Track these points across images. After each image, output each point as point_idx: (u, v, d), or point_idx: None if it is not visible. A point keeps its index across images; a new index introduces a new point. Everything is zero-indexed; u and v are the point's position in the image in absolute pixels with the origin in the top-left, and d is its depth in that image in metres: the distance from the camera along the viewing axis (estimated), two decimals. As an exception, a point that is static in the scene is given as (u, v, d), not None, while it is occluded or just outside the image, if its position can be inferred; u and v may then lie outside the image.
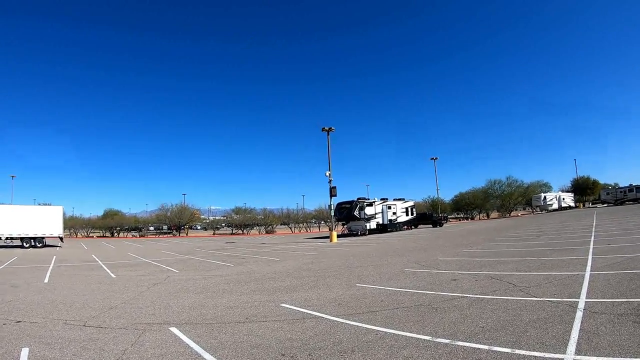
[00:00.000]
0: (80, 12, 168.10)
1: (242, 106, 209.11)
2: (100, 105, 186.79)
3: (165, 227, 70.91)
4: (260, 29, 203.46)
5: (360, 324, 6.41)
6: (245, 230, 69.17)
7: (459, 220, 70.68)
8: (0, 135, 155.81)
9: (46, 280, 14.21)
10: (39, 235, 33.16)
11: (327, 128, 34.76)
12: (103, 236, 72.14)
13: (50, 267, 18.47)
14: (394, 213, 41.75)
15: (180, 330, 6.90)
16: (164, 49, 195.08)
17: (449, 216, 64.45)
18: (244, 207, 74.67)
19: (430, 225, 47.47)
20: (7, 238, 32.72)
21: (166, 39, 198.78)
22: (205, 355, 5.48)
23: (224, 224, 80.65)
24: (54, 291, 11.83)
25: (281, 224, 71.24)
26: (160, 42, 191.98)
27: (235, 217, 73.29)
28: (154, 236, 69.27)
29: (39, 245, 33.05)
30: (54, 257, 24.65)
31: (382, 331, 5.94)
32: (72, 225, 69.68)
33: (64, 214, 37.51)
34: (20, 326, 7.37)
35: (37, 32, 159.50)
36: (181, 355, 5.62)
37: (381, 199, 41.41)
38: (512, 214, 69.67)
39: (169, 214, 70.35)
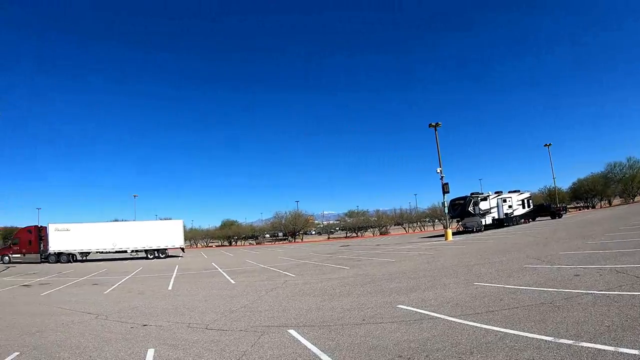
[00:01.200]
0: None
1: (351, 114, 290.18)
2: (217, 123, 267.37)
3: (280, 233, 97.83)
4: (375, 40, 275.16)
5: (478, 325, 7.99)
6: (359, 233, 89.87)
7: (579, 209, 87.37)
8: (123, 159, 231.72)
9: (170, 288, 19.15)
10: (162, 247, 46.45)
11: (434, 124, 44.42)
12: (221, 245, 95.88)
13: (173, 276, 24.77)
14: (510, 206, 51.87)
15: (298, 332, 8.93)
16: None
17: (567, 206, 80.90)
18: (356, 210, 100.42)
19: (549, 217, 60.21)
20: (132, 251, 46.65)
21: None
22: (323, 356, 7.09)
23: (337, 228, 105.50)
24: (177, 297, 16.04)
25: (395, 225, 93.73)
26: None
27: (348, 220, 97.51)
28: (270, 243, 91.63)
29: (162, 256, 45.81)
30: (177, 266, 33.00)
31: (501, 332, 7.36)
32: (192, 236, 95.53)
33: (184, 226, 51.15)
34: (147, 329, 10.33)
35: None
36: (299, 356, 7.30)
37: (495, 193, 51.79)
38: (637, 199, 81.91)
39: (283, 221, 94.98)
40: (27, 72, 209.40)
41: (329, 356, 7.06)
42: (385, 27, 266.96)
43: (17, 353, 8.57)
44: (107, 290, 19.17)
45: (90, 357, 8.13)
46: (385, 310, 10.50)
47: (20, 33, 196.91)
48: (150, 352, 8.21)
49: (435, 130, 44.74)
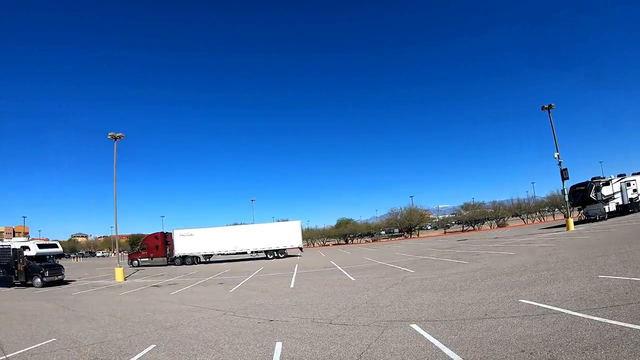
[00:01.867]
0: None
1: (463, 102, 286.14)
2: (326, 128, 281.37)
3: (396, 230, 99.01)
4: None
5: (603, 320, 7.86)
6: (475, 226, 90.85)
7: None
8: (241, 165, 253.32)
9: (292, 286, 19.99)
10: (281, 247, 48.94)
11: (546, 106, 43.09)
12: (338, 244, 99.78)
13: (294, 274, 25.83)
14: (635, 190, 48.93)
15: (420, 327, 9.08)
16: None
17: None
18: (472, 202, 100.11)
19: None
20: (252, 252, 49.84)
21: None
22: (446, 350, 7.26)
23: (453, 222, 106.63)
24: (300, 294, 16.71)
25: (512, 216, 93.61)
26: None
27: (464, 214, 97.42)
28: (386, 240, 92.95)
29: (281, 256, 48.23)
30: (296, 265, 34.36)
31: (626, 327, 7.24)
32: (308, 236, 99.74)
33: (301, 227, 53.32)
34: (273, 324, 10.93)
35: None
36: (422, 350, 7.45)
37: (618, 176, 49.32)
38: None
39: (399, 217, 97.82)
40: (165, 99, 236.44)
41: (452, 350, 7.16)
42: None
43: (154, 345, 9.53)
44: (232, 289, 20.51)
45: (221, 349, 8.74)
46: (507, 304, 10.55)
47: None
48: (279, 345, 8.67)
49: (549, 112, 43.53)
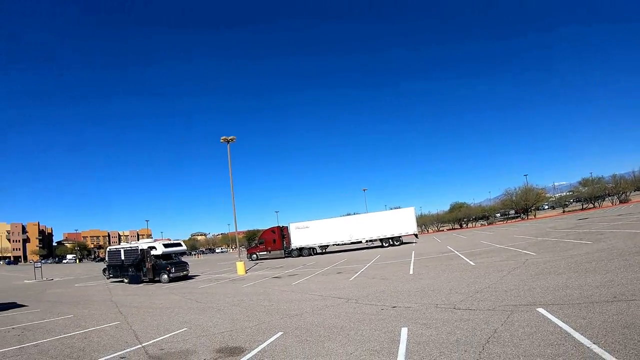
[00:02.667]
0: None
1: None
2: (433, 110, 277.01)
3: (512, 211, 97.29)
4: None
5: None
6: (595, 203, 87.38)
7: None
8: (352, 156, 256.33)
9: (411, 272, 19.79)
10: (396, 235, 48.59)
11: None
12: (452, 229, 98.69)
13: (412, 261, 25.58)
14: None
15: (547, 311, 8.74)
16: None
17: None
18: (590, 178, 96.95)
19: None
20: (367, 241, 50.03)
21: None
22: (575, 334, 7.06)
23: (571, 200, 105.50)
24: (420, 280, 16.50)
25: (634, 190, 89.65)
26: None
27: (582, 190, 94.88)
28: (501, 222, 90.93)
29: (396, 244, 47.87)
30: (413, 252, 34.06)
31: None
32: (422, 222, 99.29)
33: (415, 213, 52.67)
34: (397, 310, 10.88)
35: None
36: (551, 334, 7.17)
37: None
38: None
39: (514, 197, 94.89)
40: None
41: (582, 334, 6.94)
42: None
43: (282, 332, 9.90)
44: (352, 278, 20.76)
45: (348, 335, 8.88)
46: (637, 286, 10.08)
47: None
48: (404, 330, 8.63)
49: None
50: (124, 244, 36.97)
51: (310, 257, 47.59)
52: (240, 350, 8.59)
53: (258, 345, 8.81)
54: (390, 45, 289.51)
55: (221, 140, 35.75)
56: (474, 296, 11.65)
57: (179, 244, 34.63)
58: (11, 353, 10.36)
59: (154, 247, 31.59)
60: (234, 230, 40.71)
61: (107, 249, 37.79)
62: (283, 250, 52.13)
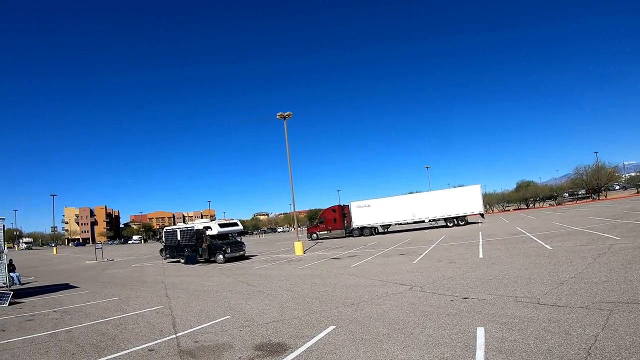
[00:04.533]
0: None
1: None
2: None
3: (582, 191, 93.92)
4: None
5: None
6: None
7: None
8: (414, 133, 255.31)
9: (481, 256, 18.16)
10: (461, 214, 46.82)
11: None
12: (518, 208, 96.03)
13: (480, 243, 23.87)
14: None
15: None
16: None
17: None
18: None
19: None
20: (430, 220, 48.58)
21: None
22: None
23: None
24: (492, 266, 14.85)
25: None
26: None
27: None
28: (570, 203, 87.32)
29: (461, 224, 46.07)
30: (480, 232, 32.18)
31: None
32: (487, 201, 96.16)
33: (481, 191, 50.64)
34: (469, 303, 9.36)
35: None
36: None
37: None
38: None
39: (584, 177, 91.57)
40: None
41: None
42: None
43: (334, 326, 8.65)
44: (416, 260, 19.34)
45: (411, 333, 7.51)
46: None
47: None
48: (480, 332, 7.17)
49: None
50: (180, 225, 37.13)
51: (372, 236, 46.60)
52: (282, 349, 7.42)
53: (304, 343, 7.60)
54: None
55: (277, 117, 34.68)
56: (559, 288, 9.98)
57: (235, 224, 34.18)
58: (41, 339, 9.87)
59: (209, 227, 31.32)
60: (293, 210, 40.03)
61: (164, 230, 38.13)
62: (344, 230, 51.37)
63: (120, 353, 8.10)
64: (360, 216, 49.94)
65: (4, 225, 17.46)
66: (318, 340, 7.70)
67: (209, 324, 10.09)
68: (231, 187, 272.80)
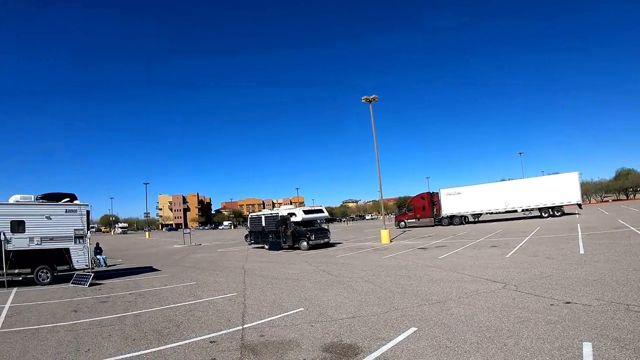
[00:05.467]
0: None
1: None
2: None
3: None
4: None
5: None
6: None
7: None
8: (507, 117, 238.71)
9: (581, 252, 16.40)
10: (557, 204, 43.52)
11: None
12: (617, 199, 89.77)
13: (580, 236, 21.77)
14: None
15: None
16: None
17: None
18: None
19: None
20: (523, 210, 45.45)
21: None
22: None
23: None
24: (596, 264, 13.20)
25: None
26: None
27: None
28: None
29: (557, 214, 42.77)
30: (578, 224, 29.66)
31: None
32: (584, 190, 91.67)
33: (579, 179, 46.97)
34: (571, 309, 8.09)
35: None
36: None
37: None
38: None
39: None
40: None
41: None
42: None
43: (415, 328, 7.79)
44: (509, 254, 17.85)
45: (504, 345, 6.49)
46: None
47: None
48: (587, 348, 6.04)
49: None
50: (265, 211, 37.50)
51: (462, 226, 44.69)
52: (353, 352, 6.71)
53: (379, 347, 6.82)
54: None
55: (362, 101, 33.77)
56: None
57: (320, 211, 33.88)
58: (108, 322, 10.02)
59: (293, 214, 31.19)
60: (380, 197, 39.18)
61: (249, 216, 38.75)
62: (433, 218, 49.52)
63: (180, 343, 7.84)
64: (449, 204, 47.87)
65: (88, 212, 18.55)
66: (395, 345, 6.88)
67: (279, 316, 9.62)
68: (320, 173, 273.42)
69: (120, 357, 7.27)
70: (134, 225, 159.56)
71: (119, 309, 11.56)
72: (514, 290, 10.47)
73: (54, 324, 10.11)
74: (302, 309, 10.21)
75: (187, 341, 7.89)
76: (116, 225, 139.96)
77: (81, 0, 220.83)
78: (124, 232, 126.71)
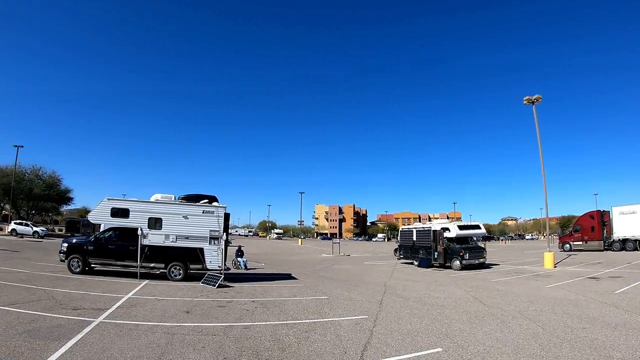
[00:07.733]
0: None
1: None
2: None
3: None
4: None
5: None
6: None
7: None
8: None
9: None
10: None
11: None
12: None
13: None
14: None
15: None
16: None
17: None
18: None
19: None
20: None
21: None
22: None
23: None
24: None
25: None
26: None
27: None
28: None
29: None
30: None
31: None
32: None
33: None
34: None
35: None
36: None
37: None
38: None
39: None
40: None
41: None
42: None
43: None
44: None
45: None
46: None
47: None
48: None
49: None
50: (417, 224, 35.41)
51: (636, 252, 37.60)
52: None
53: None
54: None
55: (524, 102, 29.90)
56: None
57: (477, 227, 30.62)
58: (213, 330, 9.17)
59: (447, 229, 28.62)
60: (545, 215, 34.17)
61: (400, 229, 36.98)
62: (602, 241, 42.43)
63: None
64: (623, 225, 40.70)
65: (225, 214, 18.42)
66: None
67: (408, 356, 7.51)
68: (479, 188, 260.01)
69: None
70: (290, 232, 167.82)
71: (231, 317, 10.60)
72: None
73: (157, 323, 9.61)
74: (439, 349, 7.93)
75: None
76: (272, 231, 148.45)
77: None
78: (278, 238, 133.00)
